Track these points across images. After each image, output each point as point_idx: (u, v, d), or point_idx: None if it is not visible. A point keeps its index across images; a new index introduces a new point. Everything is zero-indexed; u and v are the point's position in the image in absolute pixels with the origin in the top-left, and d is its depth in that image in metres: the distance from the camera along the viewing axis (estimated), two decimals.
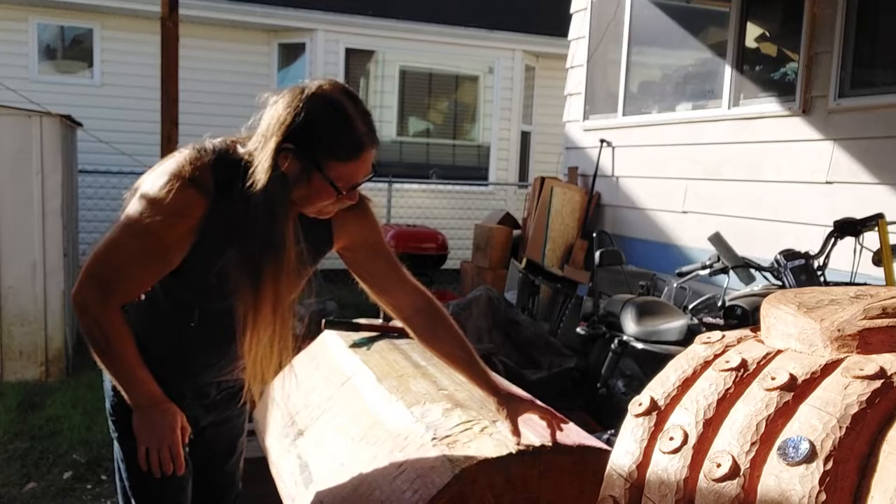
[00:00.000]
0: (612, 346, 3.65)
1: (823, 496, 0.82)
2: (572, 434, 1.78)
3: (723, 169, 5.15)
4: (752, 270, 3.29)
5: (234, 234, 1.57)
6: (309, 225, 1.71)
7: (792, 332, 1.04)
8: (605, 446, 1.74)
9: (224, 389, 1.89)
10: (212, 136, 1.67)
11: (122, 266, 1.59)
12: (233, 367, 1.83)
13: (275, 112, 1.56)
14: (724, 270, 3.27)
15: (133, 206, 1.59)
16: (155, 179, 1.58)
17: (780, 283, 3.22)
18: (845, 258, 3.33)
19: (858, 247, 3.29)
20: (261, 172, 1.53)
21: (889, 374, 0.89)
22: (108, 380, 1.76)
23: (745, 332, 1.17)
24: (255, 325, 1.60)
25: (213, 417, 1.90)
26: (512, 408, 1.75)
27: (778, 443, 0.90)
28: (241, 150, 1.62)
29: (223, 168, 1.58)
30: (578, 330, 4.04)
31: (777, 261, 3.19)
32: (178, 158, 1.59)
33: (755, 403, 0.96)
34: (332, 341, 2.69)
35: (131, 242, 1.57)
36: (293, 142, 1.53)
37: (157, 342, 1.73)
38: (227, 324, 1.65)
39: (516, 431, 1.70)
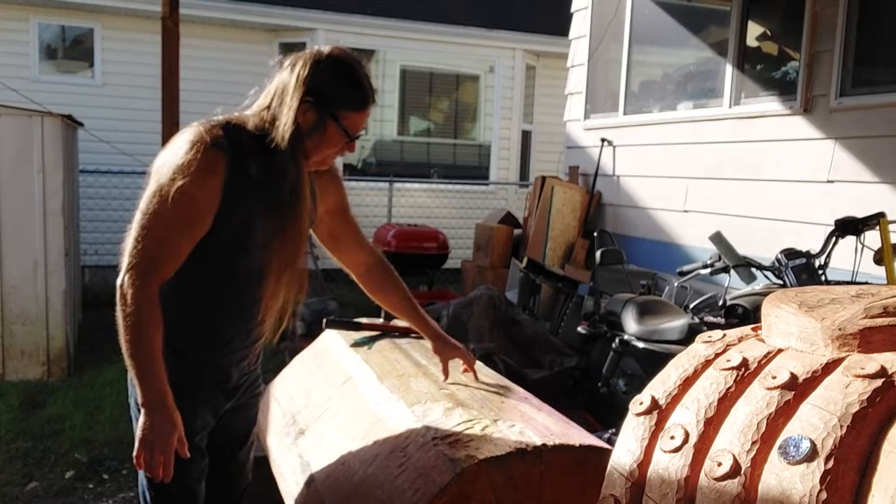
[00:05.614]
0: (614, 345, 3.65)
1: (824, 495, 0.82)
2: (573, 433, 1.78)
3: (724, 168, 5.15)
4: (753, 269, 3.29)
5: (255, 188, 1.72)
6: None
7: (793, 330, 1.04)
8: (606, 445, 1.74)
9: (245, 374, 1.95)
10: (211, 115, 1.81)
11: (163, 237, 1.66)
12: (256, 337, 1.90)
13: (294, 72, 1.74)
14: (726, 269, 3.27)
15: (160, 179, 1.66)
16: (176, 150, 1.68)
17: (781, 282, 3.22)
18: (846, 257, 3.33)
19: (859, 246, 3.29)
20: (287, 125, 1.71)
21: (890, 372, 0.89)
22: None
23: (746, 331, 1.17)
24: (280, 269, 1.79)
25: (231, 404, 1.93)
26: (445, 352, 2.15)
27: (779, 442, 0.90)
28: (244, 116, 1.79)
29: (234, 131, 1.73)
30: (579, 329, 4.04)
31: (778, 260, 3.19)
32: (192, 130, 1.71)
33: (756, 402, 0.96)
34: (333, 341, 2.69)
35: (168, 210, 1.64)
36: (313, 95, 1.72)
37: (187, 319, 1.78)
38: (254, 282, 1.80)
39: (445, 372, 2.13)
